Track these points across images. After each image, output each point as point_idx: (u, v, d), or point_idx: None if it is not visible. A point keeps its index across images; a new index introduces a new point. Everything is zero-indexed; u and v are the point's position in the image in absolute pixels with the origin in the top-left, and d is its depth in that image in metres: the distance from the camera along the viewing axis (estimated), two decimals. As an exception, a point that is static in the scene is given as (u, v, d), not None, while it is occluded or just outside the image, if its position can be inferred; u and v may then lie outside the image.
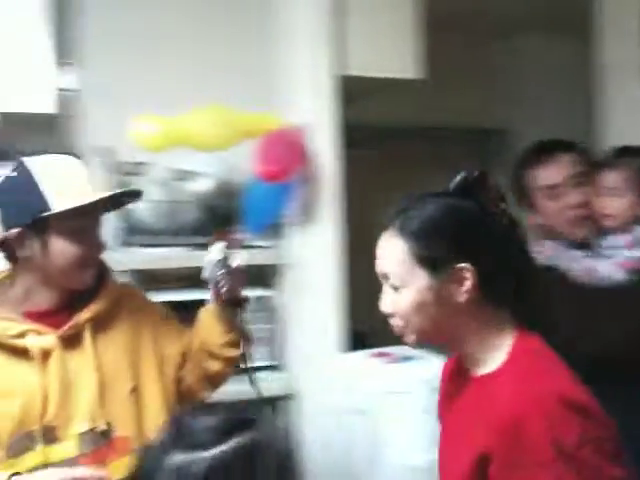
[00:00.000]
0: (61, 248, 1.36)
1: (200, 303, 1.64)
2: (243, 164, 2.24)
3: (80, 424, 1.38)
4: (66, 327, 1.40)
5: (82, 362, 1.41)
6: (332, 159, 2.35)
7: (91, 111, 2.42)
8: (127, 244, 2.25)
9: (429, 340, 1.24)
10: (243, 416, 0.92)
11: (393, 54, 2.44)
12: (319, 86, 2.35)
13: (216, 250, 1.52)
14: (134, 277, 2.14)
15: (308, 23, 2.35)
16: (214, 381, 1.62)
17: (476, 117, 3.72)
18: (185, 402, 1.60)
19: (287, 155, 2.17)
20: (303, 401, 2.34)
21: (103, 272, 1.51)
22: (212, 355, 1.57)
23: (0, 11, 2.27)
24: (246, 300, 1.60)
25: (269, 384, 2.35)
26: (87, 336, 1.42)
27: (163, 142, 2.17)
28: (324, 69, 2.35)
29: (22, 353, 1.36)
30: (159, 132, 2.14)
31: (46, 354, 1.37)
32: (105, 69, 2.43)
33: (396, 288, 1.16)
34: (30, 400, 1.35)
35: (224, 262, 1.50)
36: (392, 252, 1.16)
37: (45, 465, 1.35)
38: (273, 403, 2.36)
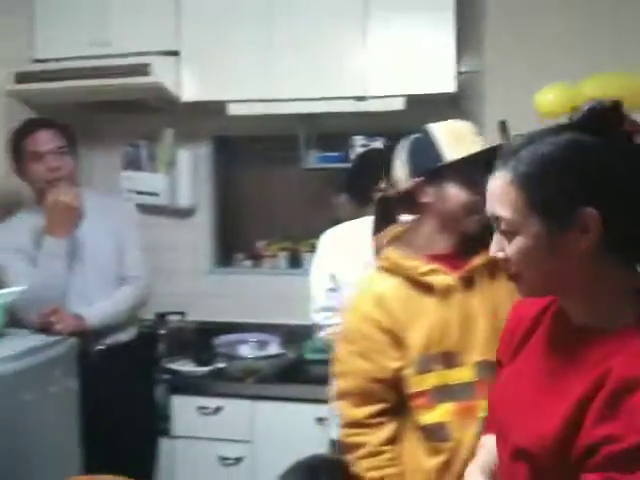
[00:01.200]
0: (453, 194, 1.54)
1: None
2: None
3: (476, 354, 1.54)
4: (465, 269, 1.57)
5: (477, 301, 1.56)
6: None
7: (488, 89, 2.59)
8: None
9: (540, 294, 1.15)
10: None
11: None
12: None
13: None
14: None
15: None
16: None
17: None
18: None
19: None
20: None
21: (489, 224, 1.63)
22: None
23: (409, 6, 2.62)
24: None
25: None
26: (481, 279, 1.58)
27: (564, 110, 2.22)
28: None
29: (428, 289, 1.56)
30: (561, 100, 2.20)
31: (449, 291, 1.56)
32: (502, 49, 2.58)
33: (508, 234, 1.07)
34: (434, 328, 1.54)
35: None
36: (504, 196, 1.06)
37: (444, 385, 1.52)
38: None
